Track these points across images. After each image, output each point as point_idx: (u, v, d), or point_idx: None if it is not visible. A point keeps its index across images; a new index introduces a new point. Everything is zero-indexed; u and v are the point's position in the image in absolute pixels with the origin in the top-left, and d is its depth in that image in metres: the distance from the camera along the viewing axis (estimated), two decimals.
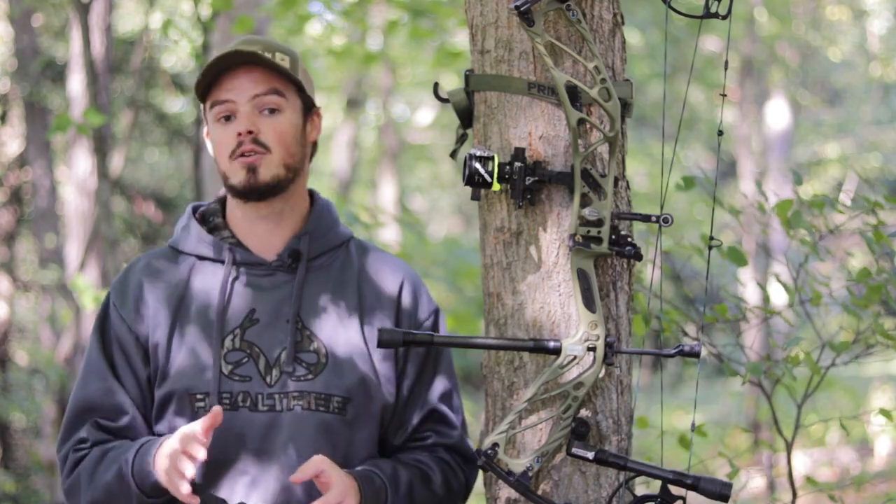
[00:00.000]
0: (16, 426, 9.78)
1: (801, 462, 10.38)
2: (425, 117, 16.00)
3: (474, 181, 2.33)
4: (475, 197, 2.38)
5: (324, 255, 2.46)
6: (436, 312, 2.53)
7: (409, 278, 2.52)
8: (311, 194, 2.56)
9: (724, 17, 2.32)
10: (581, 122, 2.31)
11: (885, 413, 3.43)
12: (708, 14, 2.31)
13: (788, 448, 3.38)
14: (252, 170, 2.37)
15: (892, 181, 15.38)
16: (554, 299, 2.39)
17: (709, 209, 2.45)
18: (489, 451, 2.29)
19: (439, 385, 2.51)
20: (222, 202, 2.51)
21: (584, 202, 2.31)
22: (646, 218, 2.33)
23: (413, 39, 7.72)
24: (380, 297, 2.48)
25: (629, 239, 2.33)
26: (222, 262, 2.43)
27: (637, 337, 3.20)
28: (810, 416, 7.51)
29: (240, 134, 2.36)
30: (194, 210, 2.51)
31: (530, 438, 2.38)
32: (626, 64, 2.49)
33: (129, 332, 2.39)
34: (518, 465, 2.30)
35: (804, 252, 3.31)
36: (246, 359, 2.37)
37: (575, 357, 2.30)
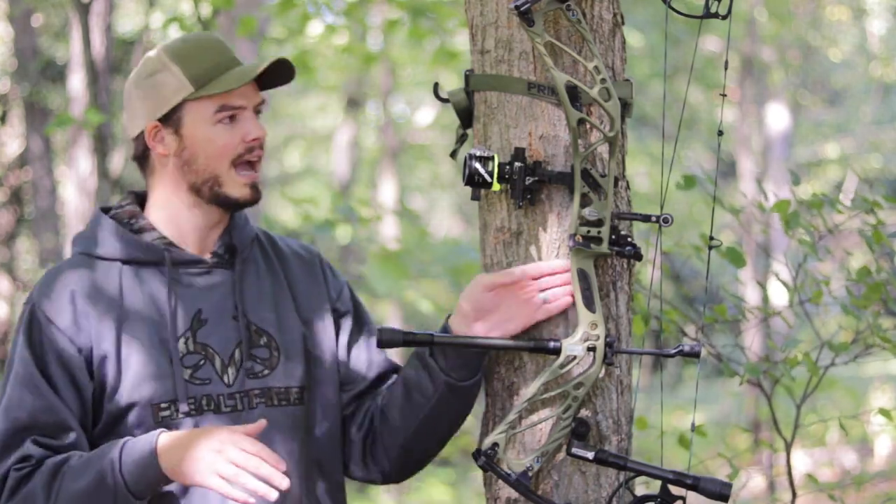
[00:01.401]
0: None
1: (801, 462, 10.38)
2: (425, 117, 15.99)
3: (474, 181, 2.33)
4: (475, 197, 2.38)
5: (247, 248, 2.45)
6: (346, 283, 2.56)
7: (320, 255, 2.56)
8: None
9: (724, 17, 2.32)
10: (581, 122, 2.31)
11: (884, 413, 3.43)
12: (708, 14, 2.31)
13: (788, 448, 3.38)
14: (255, 186, 2.38)
15: (892, 181, 15.38)
16: None
17: (709, 209, 2.45)
18: (489, 451, 2.29)
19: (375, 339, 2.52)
20: (140, 203, 2.44)
21: (584, 202, 2.31)
22: (646, 218, 2.33)
23: (413, 39, 7.72)
24: (305, 277, 2.49)
25: (629, 239, 2.33)
26: (154, 263, 2.36)
27: (637, 337, 3.20)
28: (810, 416, 7.51)
29: (255, 139, 2.35)
30: (105, 212, 2.43)
31: (530, 438, 2.38)
32: (626, 64, 2.49)
33: (71, 344, 2.28)
34: (518, 464, 2.30)
35: (803, 252, 3.31)
36: (203, 361, 2.33)
37: (575, 357, 2.30)
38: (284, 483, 2.12)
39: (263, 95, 2.41)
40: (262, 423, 2.19)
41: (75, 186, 8.22)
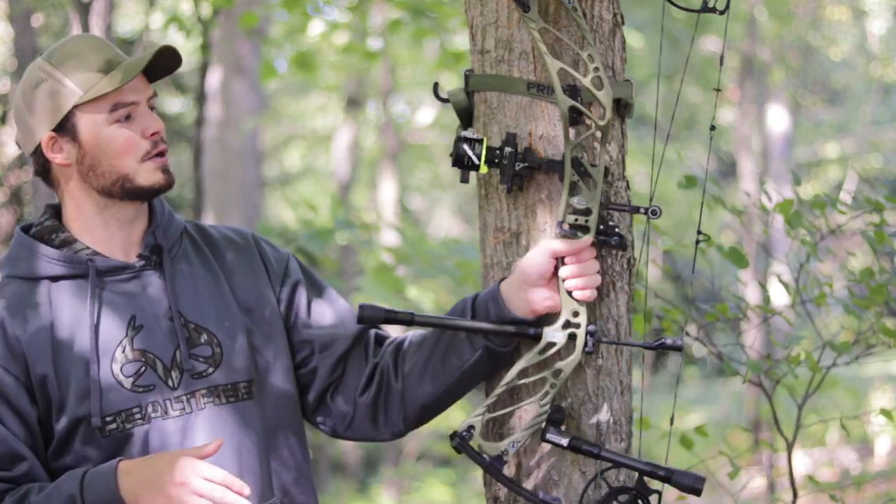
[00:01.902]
0: None
1: (802, 462, 10.38)
2: (425, 117, 16.00)
3: (463, 163, 2.33)
4: (464, 179, 2.36)
5: (175, 244, 2.41)
6: (292, 257, 2.53)
7: (254, 234, 2.52)
8: None
9: (722, 13, 2.31)
10: (573, 109, 2.30)
11: (886, 413, 3.43)
12: (706, 8, 2.30)
13: (789, 448, 3.38)
14: (167, 171, 2.34)
15: (892, 181, 15.38)
16: None
17: (709, 209, 2.45)
18: (464, 433, 2.27)
19: (340, 302, 2.51)
20: (56, 217, 2.39)
21: (574, 191, 2.31)
22: (634, 209, 2.33)
23: (414, 39, 7.72)
24: (241, 264, 2.45)
25: (616, 229, 2.33)
26: (82, 276, 2.31)
27: (637, 336, 3.19)
28: (810, 416, 7.51)
29: (155, 133, 2.31)
30: (25, 231, 2.36)
31: (507, 423, 2.37)
32: (626, 64, 2.49)
33: (6, 373, 2.24)
34: (493, 448, 2.29)
35: (805, 252, 3.30)
36: (143, 367, 2.29)
37: (554, 344, 2.30)
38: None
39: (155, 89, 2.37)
40: (220, 441, 2.18)
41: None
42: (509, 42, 2.41)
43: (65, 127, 2.30)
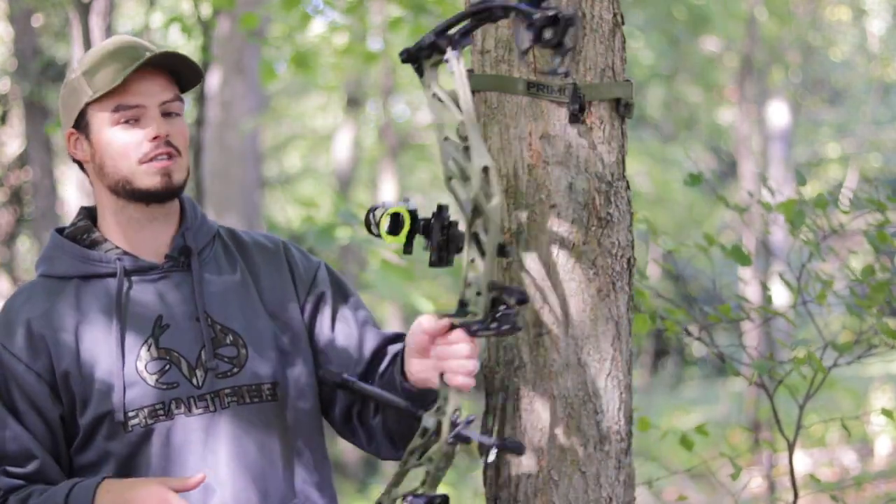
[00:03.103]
0: None
1: (802, 462, 10.38)
2: (425, 117, 16.00)
3: (369, 229, 2.29)
4: (406, 251, 2.27)
5: (206, 247, 2.43)
6: (322, 264, 2.52)
7: (285, 241, 2.52)
8: None
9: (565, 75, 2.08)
10: (486, 169, 2.07)
11: (887, 413, 3.43)
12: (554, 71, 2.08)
13: (790, 448, 3.38)
14: (167, 174, 2.32)
15: (892, 181, 15.39)
16: (553, 300, 2.39)
17: (709, 209, 2.44)
18: None
19: (362, 314, 2.51)
20: (90, 218, 2.44)
21: (471, 267, 2.14)
22: (508, 292, 2.11)
23: (414, 37, 7.71)
24: (269, 269, 2.46)
25: (508, 316, 2.11)
26: (112, 275, 2.35)
27: (638, 336, 3.20)
28: (811, 416, 7.51)
29: (156, 138, 2.31)
30: (60, 232, 2.43)
31: None
32: (626, 64, 2.49)
33: (28, 370, 2.29)
34: None
35: (806, 251, 3.30)
36: (168, 366, 2.31)
37: (427, 430, 2.19)
38: None
39: (177, 91, 2.36)
40: (202, 477, 2.19)
41: (75, 186, 8.23)
42: (509, 42, 2.41)
43: (81, 125, 2.36)
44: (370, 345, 2.48)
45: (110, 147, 2.33)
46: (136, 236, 2.38)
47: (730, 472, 3.40)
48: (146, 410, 2.29)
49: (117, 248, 2.38)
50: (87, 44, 6.26)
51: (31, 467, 2.28)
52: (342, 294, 2.51)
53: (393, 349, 2.46)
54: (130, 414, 2.29)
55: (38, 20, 10.15)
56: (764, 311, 3.48)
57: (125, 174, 2.33)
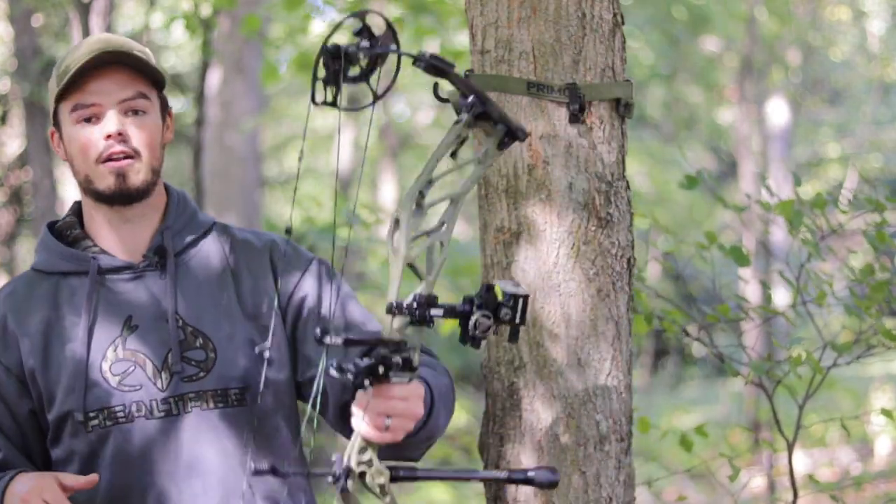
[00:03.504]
0: None
1: (802, 462, 10.38)
2: (425, 117, 16.00)
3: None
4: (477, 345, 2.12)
5: (189, 247, 2.40)
6: (316, 262, 2.43)
7: (276, 241, 2.45)
8: (166, 188, 2.46)
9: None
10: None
11: (887, 413, 3.43)
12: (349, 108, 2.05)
13: (790, 448, 3.38)
14: (121, 175, 2.30)
15: (892, 181, 15.39)
16: (554, 299, 2.39)
17: (709, 209, 2.44)
18: None
19: (357, 311, 2.42)
20: (78, 213, 2.43)
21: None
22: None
23: (415, 38, 7.72)
24: (252, 266, 2.41)
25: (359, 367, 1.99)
26: (86, 273, 2.33)
27: (638, 336, 3.20)
28: (810, 416, 7.50)
29: (109, 136, 2.29)
30: (50, 227, 2.42)
31: None
32: (626, 64, 2.49)
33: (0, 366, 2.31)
34: None
35: (806, 251, 3.30)
36: (132, 367, 2.30)
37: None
38: None
39: (143, 89, 2.32)
40: (94, 477, 2.19)
41: (75, 186, 8.22)
42: (509, 42, 2.41)
43: (56, 123, 2.37)
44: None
45: (72, 146, 2.33)
46: (113, 235, 2.36)
47: (730, 472, 3.40)
48: (106, 412, 2.27)
49: (95, 245, 2.37)
50: None
51: None
52: (334, 293, 2.43)
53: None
54: (91, 414, 2.27)
55: (38, 20, 10.15)
56: (763, 311, 3.48)
57: (86, 173, 2.32)
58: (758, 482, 8.11)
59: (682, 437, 3.56)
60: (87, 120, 2.30)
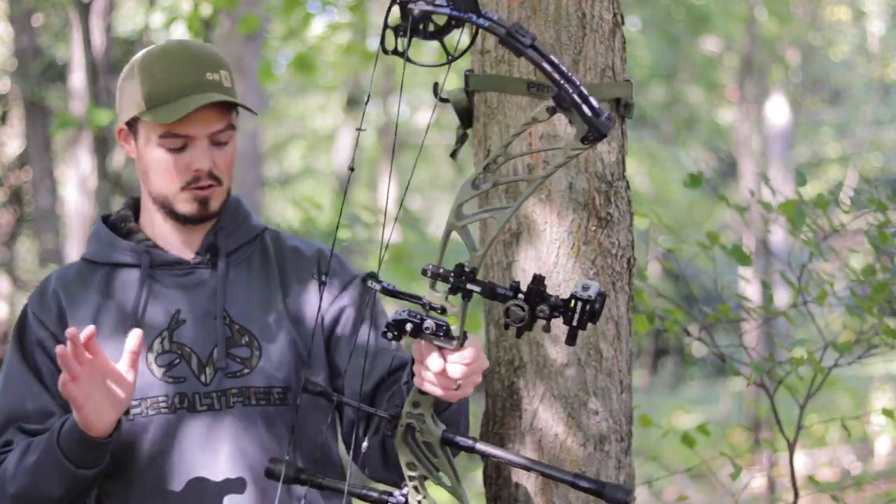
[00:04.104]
0: None
1: (802, 462, 10.38)
2: (425, 117, 15.99)
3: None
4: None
5: (240, 248, 2.44)
6: (359, 279, 2.47)
7: (324, 253, 2.49)
8: None
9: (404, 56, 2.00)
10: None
11: (887, 413, 3.43)
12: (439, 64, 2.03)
13: (791, 448, 3.37)
14: (204, 203, 2.35)
15: (892, 181, 15.39)
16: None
17: (709, 208, 2.44)
18: None
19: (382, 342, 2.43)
20: (133, 207, 2.47)
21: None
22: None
23: (415, 39, 7.70)
24: (299, 272, 2.45)
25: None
26: (138, 266, 2.39)
27: (638, 336, 3.20)
28: (811, 416, 7.50)
29: (198, 170, 2.32)
30: (104, 219, 2.48)
31: None
32: (626, 64, 2.49)
33: (53, 338, 2.34)
34: None
35: (807, 251, 3.30)
36: (177, 360, 2.33)
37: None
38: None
39: (231, 119, 2.34)
40: (137, 331, 2.16)
41: (75, 186, 8.23)
42: None
43: (132, 126, 2.36)
44: (382, 367, 2.42)
45: (155, 166, 2.34)
46: (170, 233, 2.41)
47: (730, 471, 3.40)
48: (149, 401, 2.31)
49: (149, 240, 2.41)
50: (87, 44, 6.25)
51: (49, 423, 2.30)
52: (363, 314, 2.47)
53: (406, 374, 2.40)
54: (133, 402, 2.29)
55: (38, 20, 10.15)
56: (764, 311, 3.48)
57: (165, 194, 2.35)
58: (758, 482, 8.11)
59: (683, 435, 3.56)
60: (175, 148, 2.31)
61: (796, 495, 3.38)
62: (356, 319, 2.45)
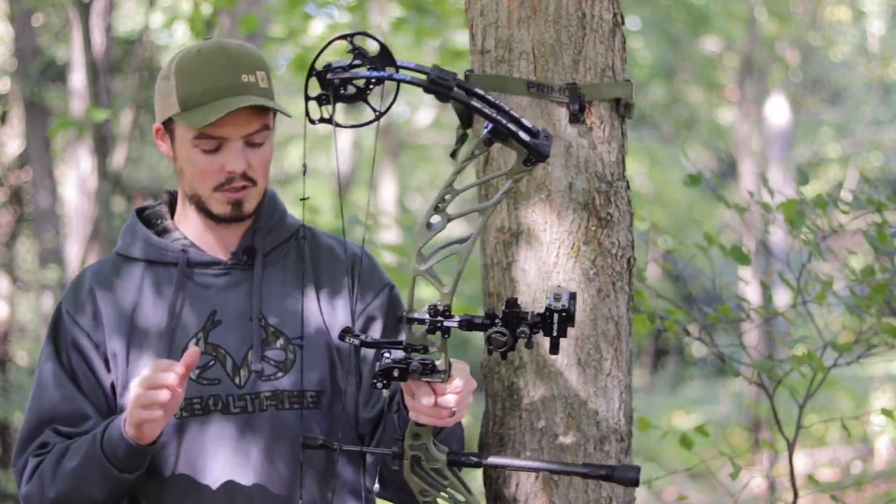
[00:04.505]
0: (16, 426, 9.77)
1: (802, 462, 10.38)
2: (425, 117, 16.00)
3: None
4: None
5: (277, 248, 2.43)
6: (389, 287, 2.48)
7: (357, 258, 2.47)
8: None
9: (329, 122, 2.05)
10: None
11: (886, 413, 3.43)
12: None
13: (790, 448, 3.38)
14: (238, 204, 2.34)
15: (892, 181, 15.39)
16: None
17: (709, 209, 2.44)
18: None
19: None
20: (170, 204, 2.47)
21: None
22: None
23: (416, 38, 7.73)
24: (333, 279, 2.43)
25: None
26: (175, 264, 2.38)
27: (638, 336, 3.20)
28: (810, 416, 7.51)
29: (232, 172, 2.30)
30: (139, 214, 2.47)
31: None
32: (626, 64, 2.49)
33: (88, 338, 2.35)
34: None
35: (806, 252, 3.30)
36: (212, 361, 2.33)
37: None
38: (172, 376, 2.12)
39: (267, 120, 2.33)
40: (195, 349, 2.16)
41: (75, 186, 8.23)
42: (509, 42, 2.41)
43: (168, 126, 2.36)
44: (392, 390, 2.36)
45: (190, 167, 2.33)
46: (206, 232, 2.40)
47: (730, 472, 3.40)
48: (183, 402, 2.29)
49: (185, 238, 2.40)
50: (87, 43, 6.25)
51: (84, 427, 2.31)
52: (394, 325, 2.45)
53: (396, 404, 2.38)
54: None
55: (38, 20, 10.14)
56: (764, 311, 3.48)
57: (199, 193, 2.34)
58: (758, 482, 8.11)
59: (682, 436, 3.56)
60: (209, 149, 2.30)
61: (796, 495, 3.38)
62: (383, 331, 2.44)
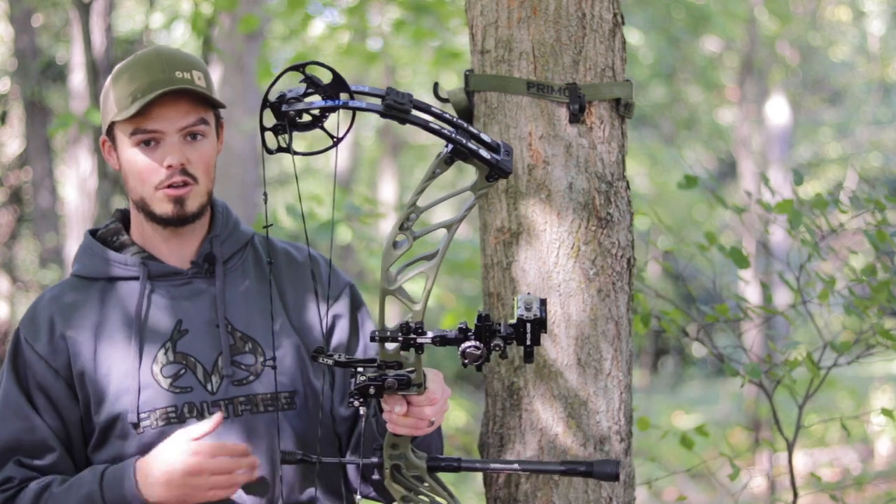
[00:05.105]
0: None
1: (802, 462, 10.38)
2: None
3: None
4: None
5: (234, 256, 2.44)
6: (349, 286, 2.50)
7: (315, 259, 2.50)
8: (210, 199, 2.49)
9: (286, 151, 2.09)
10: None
11: (887, 413, 3.43)
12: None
13: (790, 448, 3.37)
14: (180, 202, 2.33)
15: (892, 180, 15.39)
16: (554, 299, 2.39)
17: (709, 209, 2.44)
18: None
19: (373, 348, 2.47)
20: (122, 220, 2.47)
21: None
22: None
23: (415, 39, 7.73)
24: (295, 277, 2.46)
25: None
26: (136, 278, 2.38)
27: (638, 336, 3.20)
28: (811, 415, 7.51)
29: (170, 167, 2.31)
30: (92, 234, 2.47)
31: None
32: (626, 64, 2.49)
33: (48, 367, 2.33)
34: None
35: (805, 252, 3.30)
36: (183, 370, 2.33)
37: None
38: (253, 462, 2.21)
39: (204, 114, 2.34)
40: (219, 416, 2.21)
41: (75, 186, 8.23)
42: (509, 42, 2.41)
43: (111, 136, 2.37)
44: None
45: (131, 168, 2.34)
46: (161, 245, 2.40)
47: (729, 472, 3.40)
48: (158, 412, 2.30)
49: (143, 251, 2.40)
50: (88, 44, 6.25)
51: (47, 460, 2.30)
52: (358, 322, 2.49)
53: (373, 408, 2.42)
54: (143, 415, 2.30)
55: (38, 20, 10.15)
56: (763, 311, 3.47)
57: (142, 196, 2.34)
58: (758, 482, 8.11)
59: (682, 436, 3.56)
60: (146, 143, 2.31)
61: (795, 495, 3.38)
62: (350, 328, 2.47)
